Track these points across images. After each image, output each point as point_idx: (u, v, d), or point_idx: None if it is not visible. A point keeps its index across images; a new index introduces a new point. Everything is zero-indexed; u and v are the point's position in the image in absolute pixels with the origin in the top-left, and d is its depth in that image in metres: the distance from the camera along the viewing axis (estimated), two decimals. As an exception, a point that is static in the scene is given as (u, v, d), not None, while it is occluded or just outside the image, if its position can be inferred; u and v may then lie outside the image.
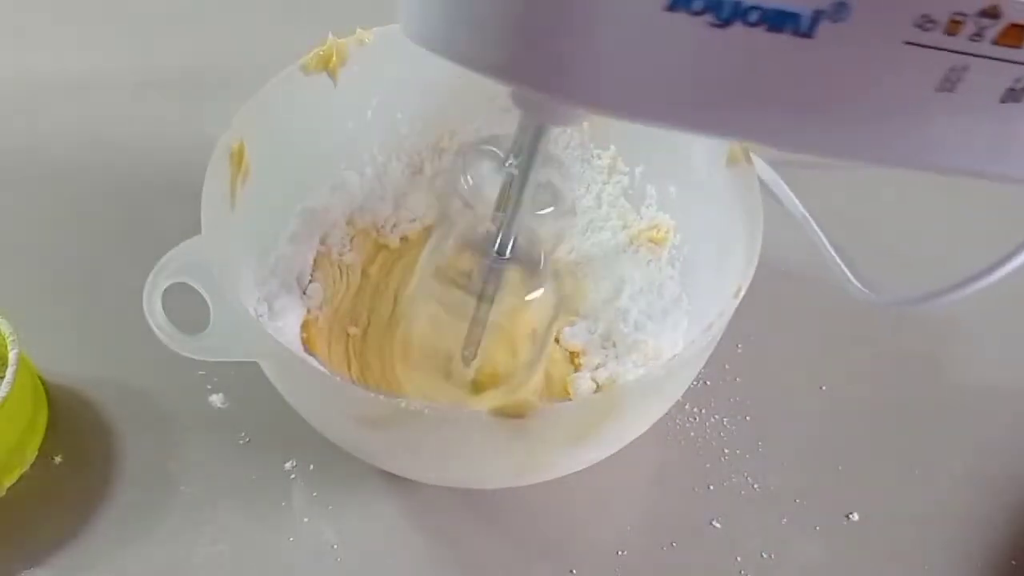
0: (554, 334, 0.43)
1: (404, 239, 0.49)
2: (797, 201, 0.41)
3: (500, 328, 0.39)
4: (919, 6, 0.20)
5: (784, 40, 0.21)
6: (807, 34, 0.21)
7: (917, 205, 0.52)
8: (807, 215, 0.40)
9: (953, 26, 0.21)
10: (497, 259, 0.35)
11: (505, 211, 0.34)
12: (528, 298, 0.38)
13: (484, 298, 0.36)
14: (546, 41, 0.21)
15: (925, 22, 0.21)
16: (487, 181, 0.37)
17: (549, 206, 0.37)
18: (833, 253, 0.37)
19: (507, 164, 0.37)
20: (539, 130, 0.30)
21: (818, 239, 0.39)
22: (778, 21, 0.20)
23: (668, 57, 0.21)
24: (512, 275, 0.36)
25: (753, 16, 0.20)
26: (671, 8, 0.20)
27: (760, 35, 0.20)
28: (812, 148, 0.24)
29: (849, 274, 0.35)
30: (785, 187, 0.42)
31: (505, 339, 0.40)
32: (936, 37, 0.21)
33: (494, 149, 0.38)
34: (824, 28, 0.20)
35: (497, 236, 0.34)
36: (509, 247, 0.35)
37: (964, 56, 0.21)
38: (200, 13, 0.67)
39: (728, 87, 0.22)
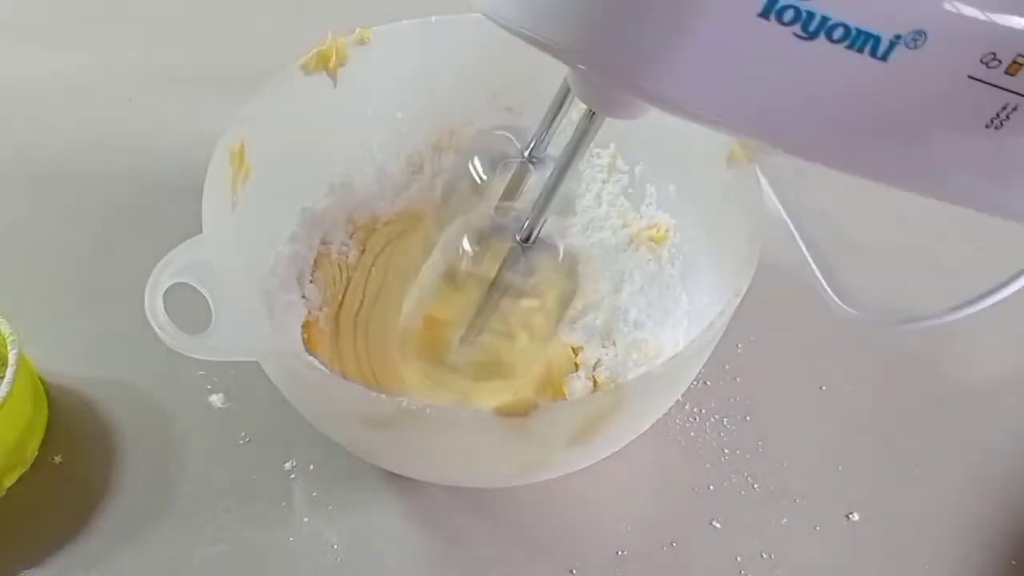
0: (559, 327, 0.41)
1: (389, 223, 0.49)
2: (789, 220, 0.40)
3: (505, 318, 0.38)
4: (988, 44, 0.22)
5: (859, 60, 0.21)
6: (882, 58, 0.21)
7: (930, 221, 0.52)
8: (795, 232, 0.40)
9: (1014, 66, 0.22)
10: (521, 246, 0.34)
11: (516, 199, 0.34)
12: (539, 289, 0.37)
13: (499, 284, 0.35)
14: (632, 32, 0.21)
15: (991, 59, 0.22)
16: (498, 169, 0.37)
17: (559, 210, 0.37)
18: (815, 268, 0.37)
19: (525, 155, 0.37)
20: (593, 116, 0.29)
21: (803, 256, 0.39)
22: (859, 41, 0.21)
23: (749, 62, 0.22)
24: (531, 263, 0.35)
25: (837, 33, 0.21)
26: (763, 15, 0.21)
27: (838, 52, 0.21)
28: (854, 167, 0.25)
29: (830, 291, 0.35)
30: (778, 205, 0.42)
31: (509, 330, 0.40)
32: (996, 75, 0.22)
33: (508, 135, 0.37)
34: (898, 53, 0.21)
35: (524, 222, 0.34)
36: (535, 234, 0.34)
37: (1017, 96, 0.22)
38: (200, 13, 0.67)
39: (791, 98, 0.23)
